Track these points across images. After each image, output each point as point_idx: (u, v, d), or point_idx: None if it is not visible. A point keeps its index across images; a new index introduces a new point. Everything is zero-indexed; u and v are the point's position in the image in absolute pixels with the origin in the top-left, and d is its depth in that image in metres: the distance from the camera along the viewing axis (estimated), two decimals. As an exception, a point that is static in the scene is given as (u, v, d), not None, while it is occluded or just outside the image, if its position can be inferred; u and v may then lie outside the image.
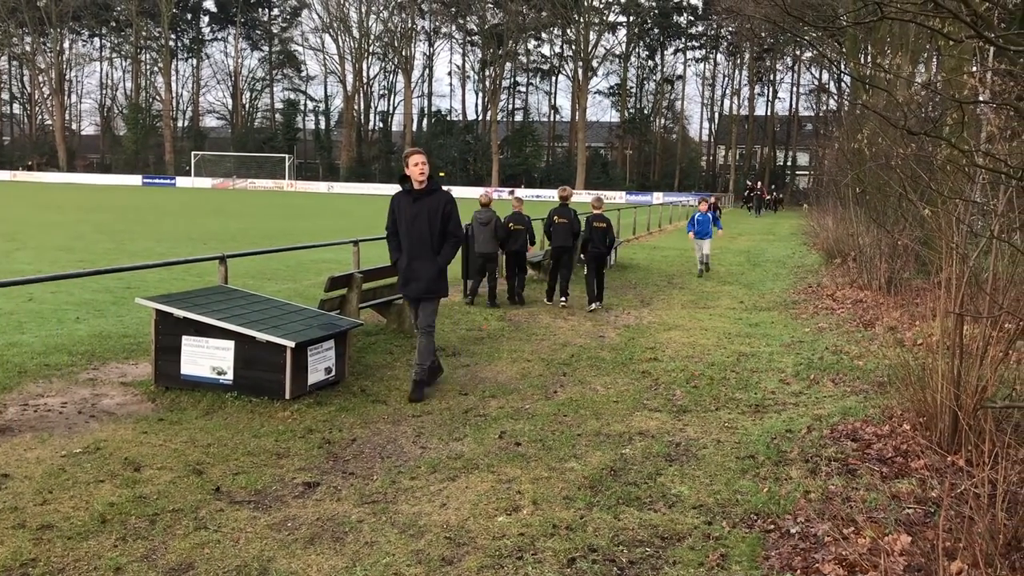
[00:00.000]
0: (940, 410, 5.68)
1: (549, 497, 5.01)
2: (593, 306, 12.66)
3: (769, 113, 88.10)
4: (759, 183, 63.61)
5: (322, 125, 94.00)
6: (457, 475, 5.39)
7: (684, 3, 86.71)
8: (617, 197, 67.38)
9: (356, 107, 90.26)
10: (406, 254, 7.30)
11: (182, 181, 77.74)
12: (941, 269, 6.36)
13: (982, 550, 3.71)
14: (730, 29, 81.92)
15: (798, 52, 72.93)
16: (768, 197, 60.82)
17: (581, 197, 61.65)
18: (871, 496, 4.96)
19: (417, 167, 7.29)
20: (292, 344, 6.73)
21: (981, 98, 5.25)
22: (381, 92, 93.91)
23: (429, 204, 7.28)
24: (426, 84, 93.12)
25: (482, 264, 12.60)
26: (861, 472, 5.39)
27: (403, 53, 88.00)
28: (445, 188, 7.63)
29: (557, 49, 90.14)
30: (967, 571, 3.69)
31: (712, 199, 31.00)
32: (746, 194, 61.42)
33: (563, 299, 12.87)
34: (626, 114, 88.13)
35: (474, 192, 73.63)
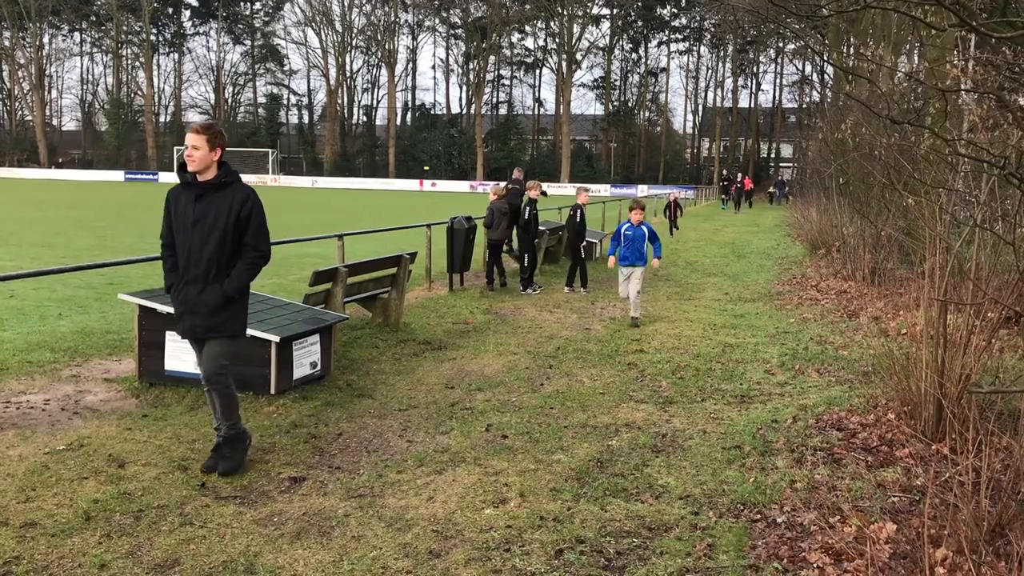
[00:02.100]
0: (924, 399, 5.71)
1: (536, 489, 5.01)
2: (566, 290, 13.57)
3: (752, 105, 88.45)
4: (739, 173, 55.65)
5: (305, 119, 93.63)
6: (444, 468, 5.38)
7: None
8: (602, 190, 67.40)
9: (339, 101, 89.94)
10: (181, 274, 5.19)
11: (165, 176, 77.16)
12: (925, 259, 6.39)
13: (967, 537, 3.73)
14: (713, 21, 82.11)
15: (781, 44, 73.22)
16: (751, 187, 52.63)
17: (566, 190, 61.69)
18: (856, 485, 4.98)
19: (187, 150, 5.10)
20: (277, 339, 6.70)
21: (963, 88, 5.28)
22: (364, 86, 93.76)
23: (218, 203, 5.09)
24: (410, 78, 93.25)
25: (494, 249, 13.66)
26: (846, 461, 5.42)
27: (386, 47, 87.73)
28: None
29: (541, 42, 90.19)
30: (952, 558, 3.72)
31: (672, 196, 28.08)
32: (723, 184, 52.49)
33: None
34: (610, 107, 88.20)
35: (459, 186, 73.88)
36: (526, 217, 13.60)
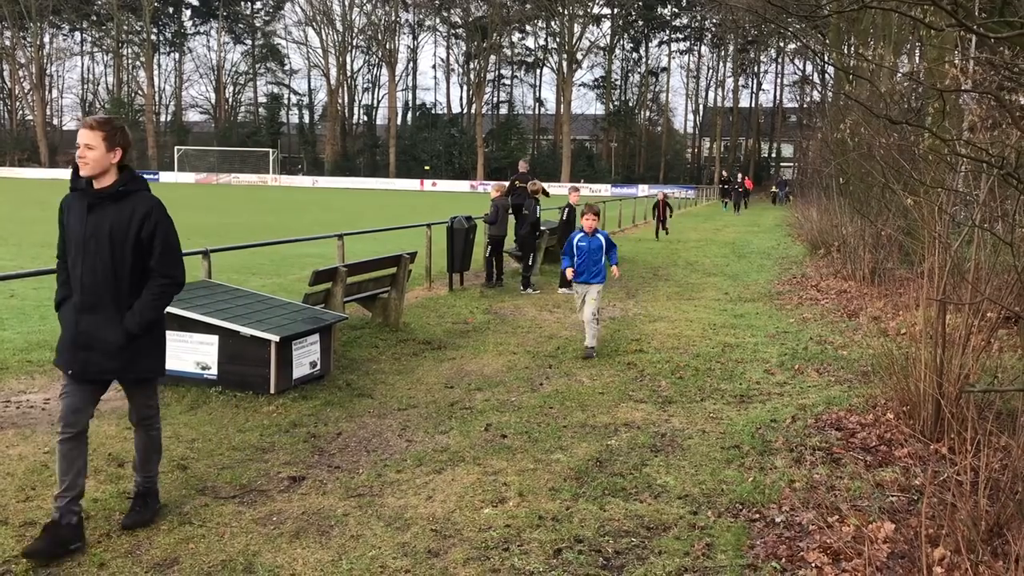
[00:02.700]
0: (923, 399, 5.71)
1: (535, 489, 5.02)
2: (562, 291, 13.48)
3: (753, 105, 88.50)
4: (739, 173, 53.53)
5: (306, 119, 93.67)
6: (443, 468, 5.39)
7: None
8: (602, 190, 67.38)
9: (340, 101, 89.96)
10: (75, 298, 4.27)
11: (165, 176, 77.22)
12: (924, 259, 6.40)
13: (964, 536, 3.74)
14: (714, 21, 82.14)
15: (782, 43, 73.19)
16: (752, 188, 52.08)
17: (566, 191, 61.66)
18: (855, 485, 4.99)
19: (79, 150, 4.20)
20: (276, 338, 6.70)
21: (961, 88, 5.28)
22: (365, 86, 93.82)
23: (114, 217, 4.16)
24: (410, 77, 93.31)
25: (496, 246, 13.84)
26: (845, 461, 5.42)
27: (387, 46, 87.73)
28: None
29: (541, 41, 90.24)
30: (950, 557, 3.72)
31: (660, 195, 26.87)
32: (722, 186, 50.66)
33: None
34: (611, 107, 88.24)
35: (460, 186, 73.87)
36: (536, 216, 13.72)
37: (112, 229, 4.15)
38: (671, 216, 26.81)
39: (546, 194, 15.73)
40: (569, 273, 9.22)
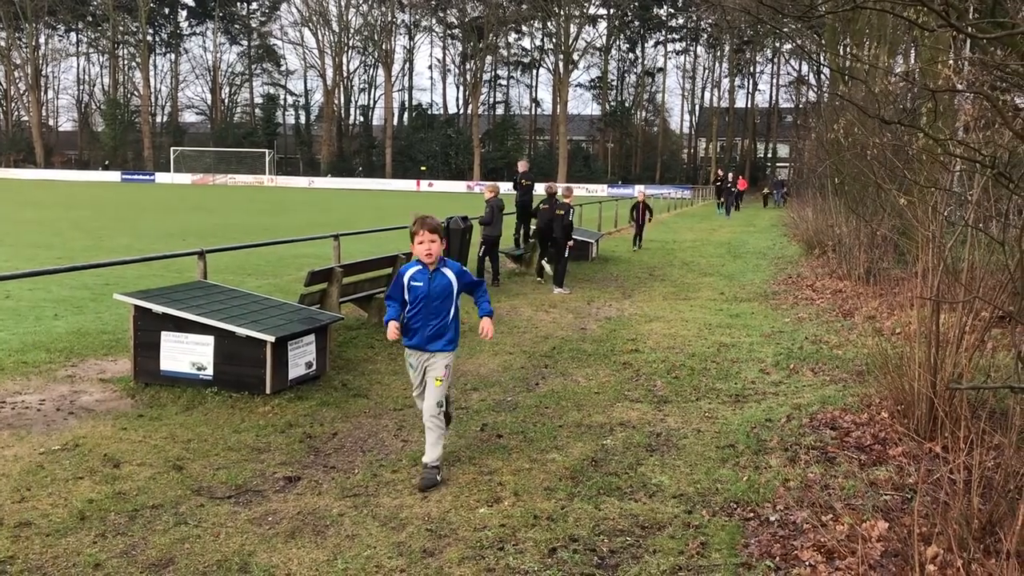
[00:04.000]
0: (917, 398, 5.73)
1: (530, 488, 5.03)
2: (557, 291, 13.63)
3: (749, 105, 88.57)
4: (731, 173, 49.07)
5: (302, 120, 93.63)
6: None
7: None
8: (599, 190, 67.42)
9: (336, 101, 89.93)
10: None
11: (161, 177, 77.16)
12: (918, 258, 6.42)
13: (957, 534, 3.75)
14: (710, 21, 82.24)
15: (778, 43, 73.27)
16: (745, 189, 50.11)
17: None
18: (849, 483, 5.01)
19: None
20: (272, 339, 6.71)
21: (954, 88, 5.30)
22: (361, 86, 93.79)
23: None
24: (406, 78, 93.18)
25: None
26: (839, 460, 5.44)
27: (383, 47, 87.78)
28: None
29: (538, 42, 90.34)
30: (943, 555, 3.74)
31: (640, 195, 22.35)
32: (716, 185, 46.52)
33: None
34: (607, 107, 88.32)
35: (456, 186, 73.85)
36: (569, 219, 13.89)
37: None
38: (650, 220, 22.35)
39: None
40: (391, 331, 5.15)
